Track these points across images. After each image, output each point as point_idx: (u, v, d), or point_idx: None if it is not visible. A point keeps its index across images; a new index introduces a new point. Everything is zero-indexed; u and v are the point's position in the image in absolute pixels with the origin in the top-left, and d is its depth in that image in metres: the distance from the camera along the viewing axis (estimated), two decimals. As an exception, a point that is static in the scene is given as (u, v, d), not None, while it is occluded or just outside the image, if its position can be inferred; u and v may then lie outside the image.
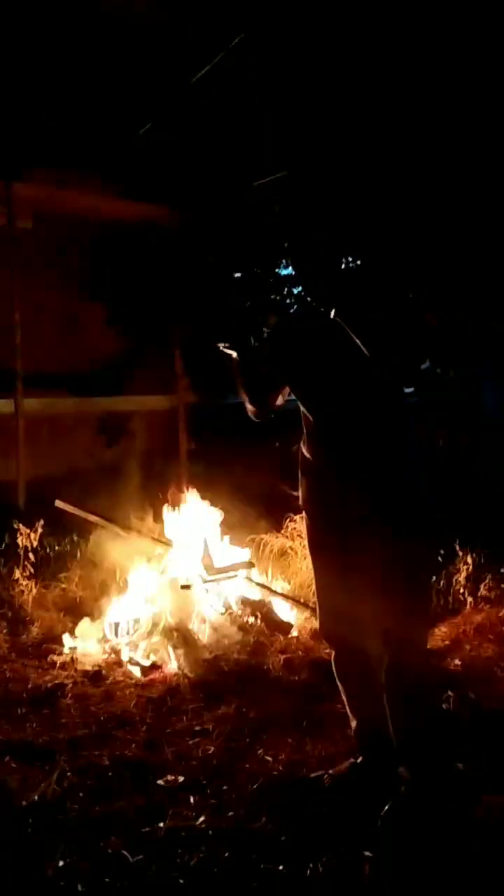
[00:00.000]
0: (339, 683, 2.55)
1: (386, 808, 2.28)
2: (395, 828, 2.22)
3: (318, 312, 2.26)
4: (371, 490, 2.26)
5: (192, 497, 4.47)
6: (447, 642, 3.82)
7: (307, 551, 2.56)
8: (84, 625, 3.94)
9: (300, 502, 2.50)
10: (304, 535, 2.57)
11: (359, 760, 2.52)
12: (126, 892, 2.06)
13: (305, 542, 2.56)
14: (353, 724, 2.53)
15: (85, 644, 3.84)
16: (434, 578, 4.24)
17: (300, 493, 2.48)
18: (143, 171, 6.54)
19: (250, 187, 5.86)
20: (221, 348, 2.44)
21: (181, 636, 3.72)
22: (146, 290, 6.46)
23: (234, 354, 2.45)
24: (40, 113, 6.09)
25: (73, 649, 3.81)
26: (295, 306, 6.42)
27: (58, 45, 6.09)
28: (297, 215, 2.28)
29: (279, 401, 2.52)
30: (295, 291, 6.48)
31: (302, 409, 2.42)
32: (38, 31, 5.97)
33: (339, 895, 2.03)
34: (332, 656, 2.54)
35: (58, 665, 3.69)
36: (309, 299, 2.32)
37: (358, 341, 2.15)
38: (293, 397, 2.48)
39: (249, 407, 2.52)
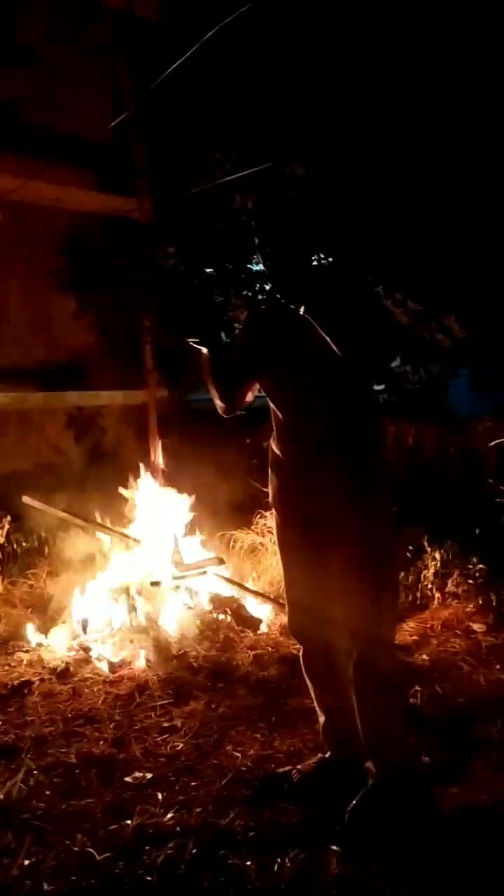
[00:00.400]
0: (307, 679, 2.55)
1: (353, 803, 2.29)
2: (362, 823, 2.24)
3: (287, 309, 2.26)
4: (340, 486, 2.27)
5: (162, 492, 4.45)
6: (415, 637, 3.85)
7: (277, 548, 2.56)
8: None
9: (270, 499, 2.50)
10: (274, 531, 2.57)
11: (327, 756, 2.53)
12: (93, 891, 2.05)
13: (275, 539, 2.56)
14: (321, 719, 2.54)
15: (50, 640, 3.80)
16: (402, 574, 4.28)
17: (270, 490, 2.48)
18: (116, 163, 6.49)
19: (224, 182, 5.84)
20: (192, 343, 2.43)
21: (150, 633, 3.70)
22: (117, 283, 6.40)
23: (205, 350, 2.44)
24: (6, 99, 6.01)
25: (39, 645, 3.78)
26: (265, 303, 6.40)
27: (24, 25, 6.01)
28: (268, 213, 2.28)
29: (249, 397, 2.52)
30: (267, 287, 6.47)
31: (271, 405, 2.42)
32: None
33: (307, 890, 2.04)
34: (301, 652, 2.55)
35: (24, 662, 3.65)
36: (279, 296, 2.31)
37: (328, 338, 2.15)
38: (262, 394, 2.48)
39: (219, 403, 2.51)
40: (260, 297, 6.40)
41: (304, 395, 2.29)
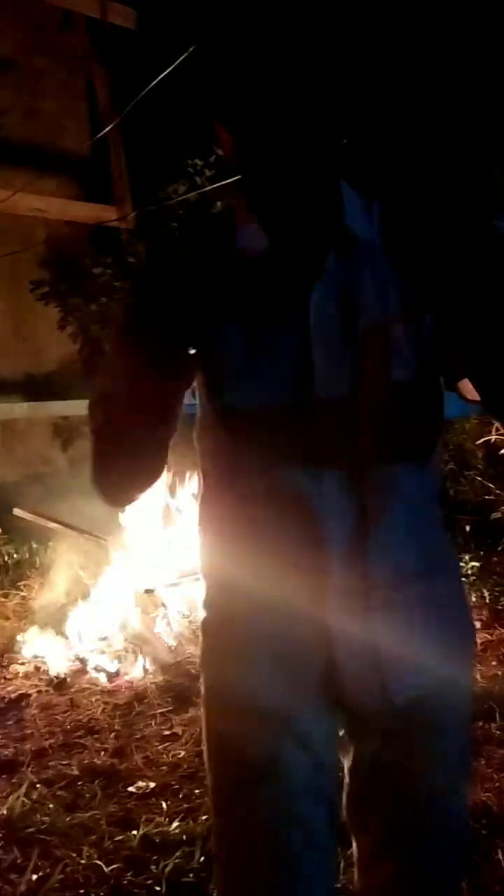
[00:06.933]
0: None
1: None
2: None
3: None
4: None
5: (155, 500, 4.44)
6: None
7: None
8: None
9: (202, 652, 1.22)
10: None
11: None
12: (102, 903, 2.05)
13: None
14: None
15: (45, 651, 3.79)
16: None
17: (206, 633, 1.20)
18: (95, 172, 6.50)
19: (204, 188, 5.86)
20: None
21: (146, 641, 3.70)
22: (100, 292, 6.40)
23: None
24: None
25: (34, 657, 3.77)
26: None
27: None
28: None
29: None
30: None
31: (204, 412, 1.14)
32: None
33: None
34: None
35: (20, 675, 3.64)
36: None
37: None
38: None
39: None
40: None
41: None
